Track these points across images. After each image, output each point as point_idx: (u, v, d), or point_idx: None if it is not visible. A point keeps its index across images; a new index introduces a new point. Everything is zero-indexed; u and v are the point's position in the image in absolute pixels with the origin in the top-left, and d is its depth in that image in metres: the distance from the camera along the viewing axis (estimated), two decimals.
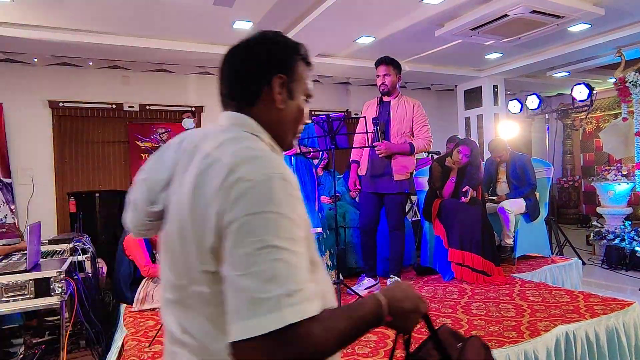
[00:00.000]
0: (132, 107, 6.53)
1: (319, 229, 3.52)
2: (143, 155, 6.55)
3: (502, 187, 4.45)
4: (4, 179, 5.70)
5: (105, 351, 2.92)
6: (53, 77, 6.06)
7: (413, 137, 3.50)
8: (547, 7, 4.40)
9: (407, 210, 4.74)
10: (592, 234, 5.93)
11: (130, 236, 3.31)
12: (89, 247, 3.52)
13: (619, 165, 6.46)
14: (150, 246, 3.51)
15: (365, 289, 3.38)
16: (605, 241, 5.58)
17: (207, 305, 0.77)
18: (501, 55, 6.69)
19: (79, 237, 3.78)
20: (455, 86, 8.35)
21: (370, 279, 3.48)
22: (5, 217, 5.66)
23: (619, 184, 6.18)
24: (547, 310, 2.77)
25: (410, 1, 4.53)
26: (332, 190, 3.29)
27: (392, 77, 3.47)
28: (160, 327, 2.68)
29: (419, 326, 0.90)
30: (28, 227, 2.67)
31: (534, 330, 2.45)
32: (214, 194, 0.72)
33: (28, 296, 2.46)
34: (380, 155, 3.38)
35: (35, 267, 2.64)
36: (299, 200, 0.75)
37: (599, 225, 6.14)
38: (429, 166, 4.22)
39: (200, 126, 6.63)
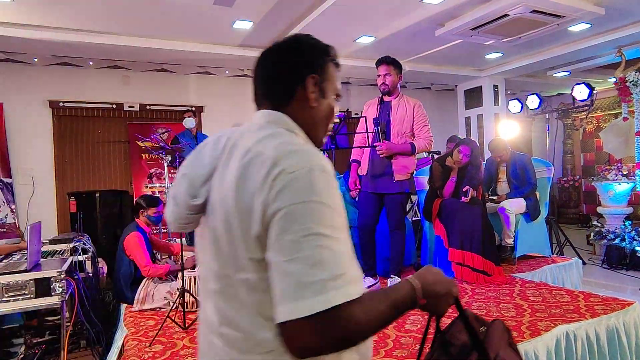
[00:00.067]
0: (133, 107, 6.53)
1: None
2: (143, 155, 6.56)
3: (503, 186, 4.44)
4: (4, 179, 5.70)
5: (105, 351, 2.92)
6: (53, 77, 6.07)
7: (413, 137, 3.50)
8: (547, 6, 4.40)
9: (407, 210, 4.74)
10: (592, 234, 5.93)
11: (130, 236, 3.31)
12: (90, 247, 3.52)
13: (619, 165, 6.46)
14: (151, 246, 3.52)
15: (366, 287, 3.38)
16: (605, 241, 5.58)
17: (253, 292, 0.81)
18: (501, 55, 6.69)
19: (80, 237, 3.78)
20: (456, 86, 8.35)
21: (370, 278, 3.49)
22: (6, 217, 5.67)
23: (620, 184, 6.18)
24: (548, 310, 2.77)
25: (410, 1, 4.53)
26: None
27: (393, 77, 3.46)
28: (161, 327, 2.69)
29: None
30: (28, 227, 2.67)
31: (535, 330, 2.45)
32: (259, 186, 0.77)
33: (28, 296, 2.46)
34: (381, 156, 3.38)
35: (36, 267, 2.64)
36: (338, 190, 0.80)
37: (600, 225, 6.14)
38: (429, 166, 4.22)
39: (200, 126, 6.63)
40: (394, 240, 3.52)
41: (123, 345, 2.66)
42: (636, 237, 5.29)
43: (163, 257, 4.05)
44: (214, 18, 4.90)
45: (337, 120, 0.84)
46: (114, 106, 6.44)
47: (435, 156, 4.97)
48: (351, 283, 0.72)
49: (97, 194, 4.78)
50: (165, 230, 5.20)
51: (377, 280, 3.50)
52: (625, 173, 6.25)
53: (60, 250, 3.41)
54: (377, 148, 3.36)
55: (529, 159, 4.37)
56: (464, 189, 3.78)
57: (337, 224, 0.75)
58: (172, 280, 3.29)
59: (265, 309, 0.78)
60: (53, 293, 2.50)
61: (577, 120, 9.61)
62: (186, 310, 2.85)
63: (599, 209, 6.56)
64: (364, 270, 3.63)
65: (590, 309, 2.73)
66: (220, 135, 0.95)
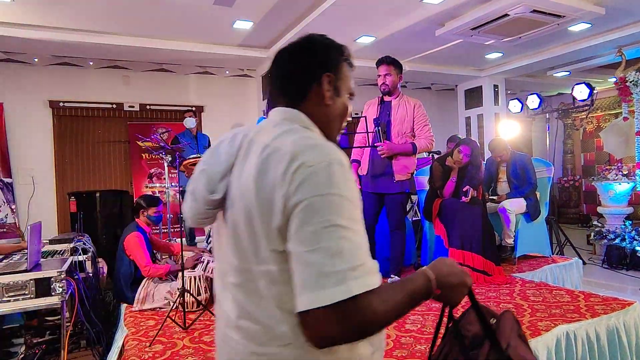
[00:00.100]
0: (133, 106, 6.53)
1: None
2: (143, 155, 6.56)
3: (503, 186, 4.44)
4: (4, 179, 5.70)
5: (105, 351, 2.92)
6: (53, 77, 6.07)
7: (414, 137, 3.50)
8: (547, 6, 4.40)
9: (407, 209, 4.74)
10: (592, 234, 5.93)
11: (130, 236, 3.31)
12: (90, 247, 3.52)
13: (619, 164, 6.45)
14: (151, 246, 3.52)
15: None
16: (605, 241, 5.58)
17: (273, 285, 0.82)
18: (502, 54, 6.69)
19: (80, 237, 3.78)
20: (456, 86, 8.36)
21: None
22: (6, 217, 5.67)
23: (620, 184, 6.18)
24: (548, 310, 2.77)
25: (410, 1, 4.53)
26: None
27: (393, 77, 3.46)
28: (161, 327, 2.69)
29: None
30: (29, 227, 2.67)
31: (535, 329, 2.45)
32: (279, 179, 0.79)
33: (29, 296, 2.46)
34: (382, 156, 3.38)
35: (36, 266, 2.63)
36: (355, 183, 0.81)
37: (600, 224, 6.14)
38: (429, 166, 4.22)
39: (200, 125, 6.63)
40: (394, 240, 3.52)
41: (123, 345, 2.66)
42: (636, 237, 5.28)
43: (163, 257, 4.05)
44: (214, 18, 4.91)
45: (350, 119, 0.86)
46: (114, 106, 6.44)
47: (436, 156, 4.97)
48: (369, 274, 0.74)
49: (97, 194, 4.79)
50: (165, 230, 5.20)
51: None
52: (625, 173, 6.24)
53: (61, 250, 3.40)
54: (378, 148, 3.36)
55: (529, 158, 4.36)
56: (464, 189, 3.77)
57: (355, 216, 0.77)
58: (172, 280, 3.29)
59: (284, 302, 0.81)
60: (53, 293, 2.50)
61: (577, 120, 9.61)
62: (186, 310, 2.85)
63: (599, 209, 6.56)
64: None
65: (591, 309, 2.72)
66: (235, 133, 0.97)
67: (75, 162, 6.31)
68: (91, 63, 6.10)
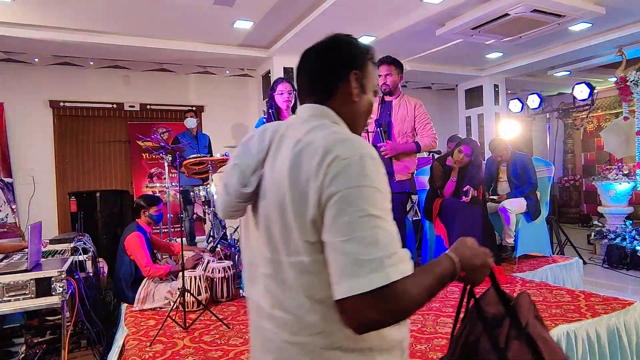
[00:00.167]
0: (133, 106, 6.53)
1: None
2: (144, 155, 6.56)
3: (503, 186, 4.44)
4: (4, 179, 5.71)
5: (106, 351, 2.92)
6: (54, 77, 6.07)
7: (415, 136, 3.50)
8: (548, 6, 4.40)
9: (408, 209, 4.74)
10: (593, 234, 5.93)
11: (131, 236, 3.31)
12: (90, 247, 3.52)
13: (620, 164, 6.45)
14: (151, 246, 3.52)
15: None
16: (606, 240, 5.58)
17: (304, 275, 0.85)
18: (502, 54, 6.69)
19: (80, 237, 3.79)
20: (456, 85, 8.35)
21: None
22: (6, 217, 5.67)
23: (620, 183, 6.18)
24: (548, 310, 2.76)
25: (410, 0, 4.53)
26: None
27: (394, 77, 3.46)
28: (161, 327, 2.70)
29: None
30: (29, 227, 2.67)
31: None
32: (314, 172, 0.81)
33: (29, 296, 2.46)
34: (386, 157, 3.38)
35: (36, 266, 2.64)
36: (385, 176, 0.84)
37: (600, 224, 6.13)
38: (429, 165, 4.22)
39: (200, 125, 6.63)
40: None
41: (124, 345, 2.66)
42: (637, 236, 5.28)
43: (164, 257, 4.05)
44: (214, 18, 4.90)
45: (373, 116, 0.91)
46: (115, 106, 6.43)
47: (436, 156, 4.97)
48: (403, 261, 0.77)
49: (98, 194, 4.78)
50: (165, 230, 5.20)
51: None
52: (626, 172, 6.24)
53: (61, 250, 3.41)
54: (381, 149, 3.35)
55: (530, 158, 4.36)
56: (464, 189, 3.77)
57: (386, 207, 0.81)
58: (173, 280, 3.30)
59: (314, 292, 0.84)
60: (54, 293, 2.50)
61: (577, 120, 9.61)
62: (187, 310, 2.85)
63: (600, 209, 6.56)
64: None
65: (591, 309, 2.72)
66: (265, 129, 1.00)
67: (75, 162, 6.31)
68: (91, 63, 6.10)
